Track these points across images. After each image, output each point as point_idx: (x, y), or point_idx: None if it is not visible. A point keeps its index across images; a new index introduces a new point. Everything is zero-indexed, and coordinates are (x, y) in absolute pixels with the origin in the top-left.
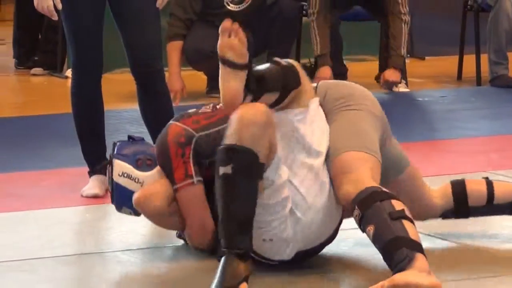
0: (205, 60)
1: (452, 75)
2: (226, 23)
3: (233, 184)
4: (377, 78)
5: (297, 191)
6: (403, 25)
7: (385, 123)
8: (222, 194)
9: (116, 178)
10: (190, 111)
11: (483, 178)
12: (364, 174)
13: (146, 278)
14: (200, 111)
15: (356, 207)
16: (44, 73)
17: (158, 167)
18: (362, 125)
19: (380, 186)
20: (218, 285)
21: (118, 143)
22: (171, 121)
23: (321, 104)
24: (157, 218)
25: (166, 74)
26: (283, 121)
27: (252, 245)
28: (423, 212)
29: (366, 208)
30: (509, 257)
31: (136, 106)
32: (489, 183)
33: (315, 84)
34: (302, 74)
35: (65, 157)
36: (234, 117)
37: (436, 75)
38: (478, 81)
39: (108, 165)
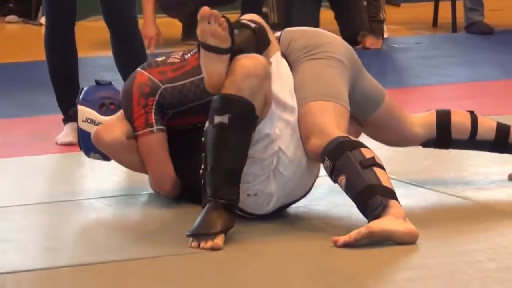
0: (179, 7)
1: (427, 21)
2: (205, 10)
3: (228, 134)
4: (359, 38)
5: (277, 146)
6: None
7: (354, 63)
8: (214, 143)
9: (81, 124)
10: (158, 59)
11: (468, 111)
12: (329, 125)
13: (121, 224)
14: (168, 60)
15: (326, 158)
16: (19, 20)
17: (121, 111)
18: (326, 73)
19: (347, 135)
20: (194, 230)
21: (84, 89)
22: (138, 69)
23: (285, 55)
24: (115, 149)
25: (141, 21)
26: None
27: (239, 197)
28: (404, 141)
29: (336, 158)
30: (484, 203)
31: (111, 53)
32: (474, 118)
33: (279, 33)
34: (268, 30)
35: (39, 105)
36: (235, 67)
37: (411, 22)
38: (454, 27)
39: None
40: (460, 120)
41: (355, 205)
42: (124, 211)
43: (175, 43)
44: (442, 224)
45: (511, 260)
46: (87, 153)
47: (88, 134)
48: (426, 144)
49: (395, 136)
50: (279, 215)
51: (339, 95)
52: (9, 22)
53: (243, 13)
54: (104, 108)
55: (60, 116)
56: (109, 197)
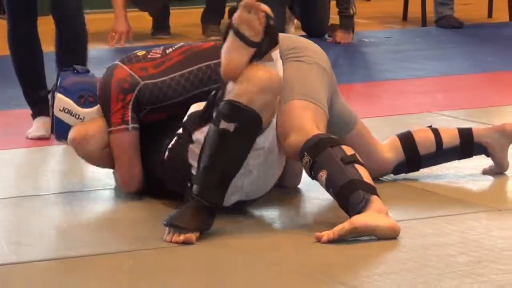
0: (151, 0)
1: (397, 15)
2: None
3: (231, 142)
4: (330, 32)
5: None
6: None
7: (333, 79)
8: (215, 147)
9: (57, 113)
10: (139, 53)
11: (427, 127)
12: (308, 123)
13: (92, 219)
14: (149, 55)
15: (306, 154)
16: None
17: (98, 107)
18: (309, 76)
19: (327, 133)
20: (170, 220)
21: (62, 74)
22: (117, 62)
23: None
24: (89, 159)
25: (109, 15)
26: None
27: (222, 202)
28: (377, 168)
29: (316, 154)
30: (455, 197)
31: None
32: (435, 129)
33: None
34: None
35: (10, 99)
36: (250, 77)
37: (381, 16)
38: (424, 21)
39: (50, 95)
40: (422, 135)
41: (331, 199)
42: (96, 205)
43: (145, 38)
44: (412, 218)
45: (481, 254)
46: (59, 139)
47: (64, 123)
48: (397, 169)
49: (368, 162)
50: (253, 208)
51: (318, 97)
52: None
53: (208, 7)
54: (83, 99)
55: (29, 110)
56: (80, 191)
